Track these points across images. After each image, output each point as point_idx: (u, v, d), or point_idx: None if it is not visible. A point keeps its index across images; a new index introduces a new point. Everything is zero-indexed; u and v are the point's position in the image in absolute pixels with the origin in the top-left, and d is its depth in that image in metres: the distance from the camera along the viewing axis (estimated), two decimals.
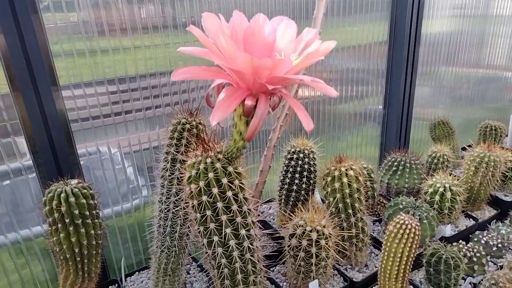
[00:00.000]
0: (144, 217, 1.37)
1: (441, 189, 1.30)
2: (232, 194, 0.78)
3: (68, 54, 1.14)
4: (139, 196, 1.37)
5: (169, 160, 0.97)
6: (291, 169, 1.17)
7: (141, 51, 1.25)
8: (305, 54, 0.64)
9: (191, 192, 0.78)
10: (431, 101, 2.18)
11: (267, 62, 0.59)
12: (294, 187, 1.18)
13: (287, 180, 1.18)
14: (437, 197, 1.31)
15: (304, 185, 1.17)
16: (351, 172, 1.11)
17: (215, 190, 0.77)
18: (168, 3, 1.28)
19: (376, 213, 1.41)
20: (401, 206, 1.23)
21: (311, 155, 1.16)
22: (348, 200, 1.11)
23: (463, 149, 1.92)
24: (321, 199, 1.34)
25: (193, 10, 1.33)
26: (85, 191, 0.81)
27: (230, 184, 0.77)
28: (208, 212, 0.78)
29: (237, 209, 0.79)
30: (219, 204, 0.78)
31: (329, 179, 1.12)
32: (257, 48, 0.71)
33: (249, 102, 0.65)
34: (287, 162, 1.17)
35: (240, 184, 0.79)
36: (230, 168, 0.77)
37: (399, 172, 1.46)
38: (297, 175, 1.16)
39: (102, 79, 1.21)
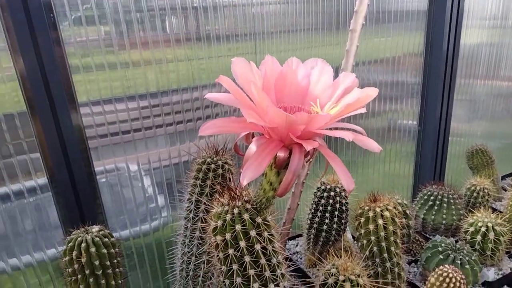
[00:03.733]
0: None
1: (483, 229, 1.21)
2: (261, 247, 0.72)
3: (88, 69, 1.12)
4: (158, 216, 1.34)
5: (193, 201, 0.92)
6: (321, 208, 1.10)
7: (163, 65, 1.23)
8: (343, 104, 0.58)
9: (217, 244, 0.73)
10: (467, 117, 2.06)
11: (303, 118, 0.53)
12: (324, 227, 1.11)
13: (317, 219, 1.11)
14: (478, 237, 1.21)
15: (335, 225, 1.10)
16: (386, 213, 1.03)
17: (242, 244, 0.71)
18: (191, 16, 1.25)
19: (412, 252, 1.32)
20: (440, 249, 1.14)
21: (343, 194, 1.10)
22: (383, 244, 1.03)
23: (504, 177, 1.80)
24: (353, 236, 1.27)
25: (217, 22, 1.29)
26: (106, 239, 0.77)
27: (259, 237, 0.72)
28: (235, 266, 0.73)
29: (266, 263, 0.73)
30: (247, 258, 0.72)
31: (362, 220, 1.05)
32: (289, 94, 0.66)
33: (281, 154, 0.59)
34: (316, 200, 1.11)
35: (269, 236, 0.73)
36: (259, 219, 0.72)
37: (436, 207, 1.37)
38: (327, 215, 1.09)
39: (122, 96, 1.19)
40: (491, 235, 1.19)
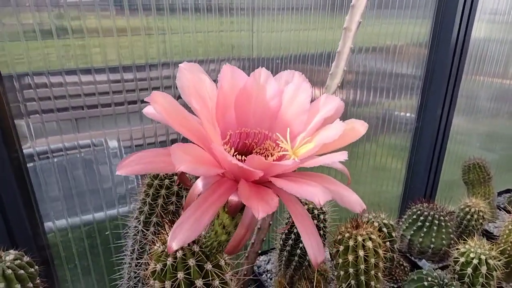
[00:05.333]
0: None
1: (475, 261, 1.08)
2: None
3: None
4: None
5: (141, 221, 0.77)
6: (295, 230, 0.96)
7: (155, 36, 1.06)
8: (319, 141, 0.43)
9: None
10: (468, 118, 1.91)
11: (258, 165, 0.38)
12: (298, 251, 0.97)
13: (290, 242, 0.98)
14: (469, 270, 1.08)
15: None
16: (369, 244, 0.90)
17: None
18: None
19: (394, 278, 1.20)
20: (425, 283, 1.01)
21: (321, 216, 0.96)
22: (362, 278, 0.90)
23: (501, 193, 1.68)
24: (330, 253, 1.14)
25: None
26: (22, 271, 0.62)
27: None
28: None
29: None
30: None
31: (341, 248, 0.91)
32: (254, 115, 0.51)
33: (235, 199, 0.44)
34: (291, 221, 0.97)
35: (221, 285, 0.59)
36: (208, 266, 0.57)
37: (424, 229, 1.24)
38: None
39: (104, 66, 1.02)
40: (483, 269, 1.07)
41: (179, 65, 0.48)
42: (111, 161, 1.14)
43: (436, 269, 1.29)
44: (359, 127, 0.46)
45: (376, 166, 1.74)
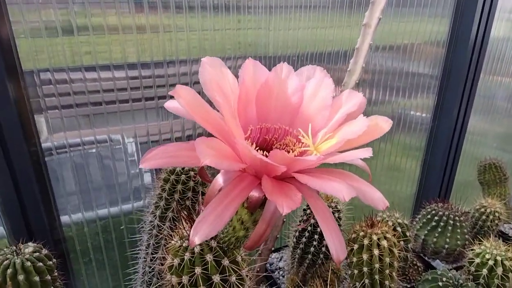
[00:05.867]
0: None
1: (490, 263, 1.06)
2: None
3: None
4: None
5: (157, 216, 0.78)
6: (309, 228, 0.96)
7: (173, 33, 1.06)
8: (342, 137, 0.43)
9: (172, 286, 0.59)
10: (484, 118, 1.88)
11: (281, 160, 0.38)
12: (311, 249, 0.97)
13: (304, 240, 0.97)
14: (484, 271, 1.07)
15: (324, 248, 0.97)
16: (384, 243, 0.89)
17: None
18: None
19: (407, 277, 1.19)
20: (440, 284, 1.00)
21: (336, 215, 0.95)
22: (377, 277, 0.90)
23: None
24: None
25: None
26: (41, 264, 0.63)
27: (223, 284, 0.58)
28: None
29: None
30: None
31: (356, 247, 0.91)
32: (275, 110, 0.51)
33: (255, 194, 0.44)
34: (305, 218, 0.97)
35: (237, 282, 0.59)
36: (225, 262, 0.57)
37: (439, 229, 1.23)
38: (316, 236, 0.95)
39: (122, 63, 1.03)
40: (499, 271, 1.05)
41: (202, 59, 0.48)
42: (127, 156, 1.15)
43: (451, 269, 1.28)
44: (382, 124, 0.46)
45: (391, 165, 1.73)
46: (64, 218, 1.09)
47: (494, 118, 1.89)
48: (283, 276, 1.14)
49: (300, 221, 1.00)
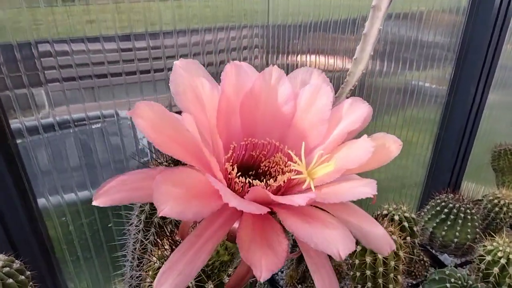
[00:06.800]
0: None
1: (503, 261, 1.00)
2: None
3: None
4: None
5: (142, 221, 0.72)
6: None
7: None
8: (342, 166, 0.35)
9: None
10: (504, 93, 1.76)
11: (262, 196, 0.31)
12: None
13: None
14: (495, 270, 1.00)
15: None
16: None
17: None
18: None
19: (413, 273, 1.13)
20: (448, 285, 0.94)
21: None
22: (380, 281, 0.84)
23: None
24: None
25: None
26: (11, 280, 0.57)
27: None
28: None
29: None
30: None
31: (358, 248, 0.85)
32: (263, 122, 0.43)
33: (236, 226, 0.37)
34: None
35: None
36: (209, 285, 0.51)
37: (449, 222, 1.16)
38: None
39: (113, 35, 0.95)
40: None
41: (174, 62, 0.40)
42: (122, 132, 1.09)
43: (459, 264, 1.22)
44: (390, 145, 0.38)
45: (402, 140, 1.64)
46: (42, 201, 1.03)
47: None
48: (282, 272, 1.09)
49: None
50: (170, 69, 0.97)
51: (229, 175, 0.38)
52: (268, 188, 0.38)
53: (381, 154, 0.37)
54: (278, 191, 0.39)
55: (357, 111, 0.40)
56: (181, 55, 1.04)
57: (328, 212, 0.35)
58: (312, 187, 0.35)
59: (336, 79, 1.30)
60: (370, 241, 0.35)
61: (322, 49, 1.25)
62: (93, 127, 1.06)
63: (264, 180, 0.39)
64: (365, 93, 1.36)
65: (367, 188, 0.32)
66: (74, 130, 1.03)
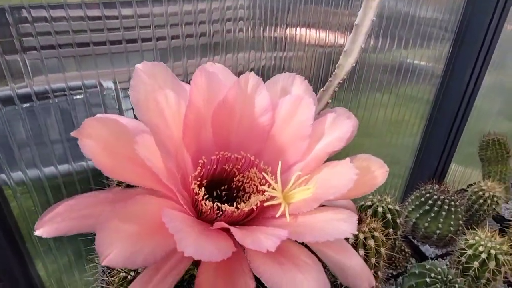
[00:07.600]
0: None
1: (483, 256, 1.00)
2: None
3: None
4: None
5: None
6: None
7: None
8: (320, 195, 0.32)
9: None
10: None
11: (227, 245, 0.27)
12: None
13: None
14: (475, 264, 1.00)
15: None
16: (371, 242, 0.81)
17: None
18: None
19: (394, 264, 1.13)
20: (428, 280, 0.94)
21: None
22: None
23: None
24: None
25: None
26: None
27: None
28: None
29: None
30: None
31: None
32: (237, 135, 0.39)
33: None
34: None
35: None
36: None
37: (432, 214, 1.15)
38: None
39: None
40: (492, 265, 0.99)
41: (136, 65, 0.35)
42: (105, 104, 1.03)
43: (440, 255, 1.22)
44: (375, 170, 0.34)
45: (394, 119, 1.59)
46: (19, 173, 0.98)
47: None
48: None
49: None
50: (159, 39, 0.91)
51: (196, 196, 0.34)
52: (239, 212, 0.34)
53: (365, 180, 0.33)
54: (250, 214, 0.35)
55: (340, 127, 0.35)
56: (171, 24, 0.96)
57: (303, 245, 0.31)
58: (287, 215, 0.32)
59: (327, 54, 1.24)
60: (348, 278, 0.31)
61: (313, 23, 1.18)
62: (74, 98, 1.01)
63: (235, 201, 0.36)
64: (357, 68, 1.31)
65: (346, 225, 0.29)
66: (54, 100, 0.97)
